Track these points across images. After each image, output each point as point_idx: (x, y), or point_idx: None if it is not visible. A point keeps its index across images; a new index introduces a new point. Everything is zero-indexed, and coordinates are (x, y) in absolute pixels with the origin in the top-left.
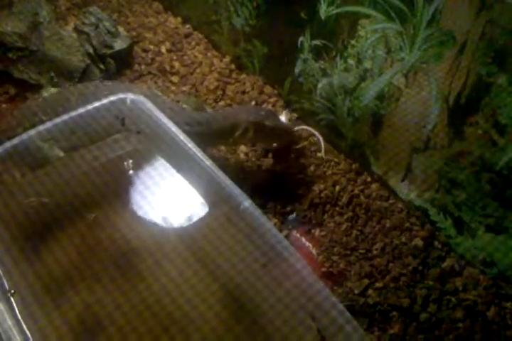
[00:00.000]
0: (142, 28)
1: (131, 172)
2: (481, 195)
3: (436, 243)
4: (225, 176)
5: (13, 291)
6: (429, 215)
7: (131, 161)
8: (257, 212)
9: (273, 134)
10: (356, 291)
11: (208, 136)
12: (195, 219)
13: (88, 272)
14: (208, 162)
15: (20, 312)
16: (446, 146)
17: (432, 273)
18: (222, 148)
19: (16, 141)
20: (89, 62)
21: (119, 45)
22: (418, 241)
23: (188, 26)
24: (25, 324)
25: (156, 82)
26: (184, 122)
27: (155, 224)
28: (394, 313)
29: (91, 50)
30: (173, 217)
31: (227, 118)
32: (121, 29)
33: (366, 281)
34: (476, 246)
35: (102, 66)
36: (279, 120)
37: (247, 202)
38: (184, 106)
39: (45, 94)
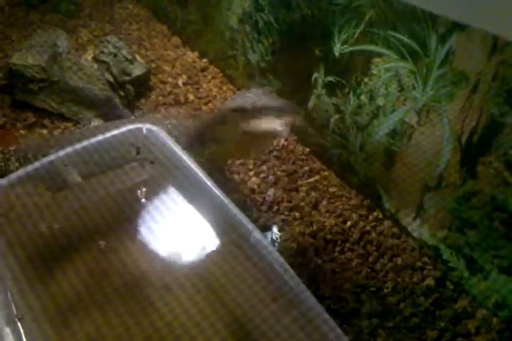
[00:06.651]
0: (161, 60)
1: (144, 200)
2: (494, 235)
3: (448, 283)
4: (235, 206)
5: (20, 316)
6: (441, 254)
7: (144, 189)
8: (266, 241)
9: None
10: (366, 331)
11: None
12: (205, 247)
13: (98, 298)
14: (219, 192)
15: (26, 338)
16: (459, 185)
17: (444, 314)
18: (235, 176)
19: (37, 164)
20: (109, 90)
21: (137, 71)
22: (430, 281)
23: (204, 60)
24: None
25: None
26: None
27: (166, 251)
28: None
29: (111, 79)
30: (184, 245)
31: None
32: (137, 56)
33: (376, 320)
34: (489, 288)
35: (121, 93)
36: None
37: (256, 232)
38: None
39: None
